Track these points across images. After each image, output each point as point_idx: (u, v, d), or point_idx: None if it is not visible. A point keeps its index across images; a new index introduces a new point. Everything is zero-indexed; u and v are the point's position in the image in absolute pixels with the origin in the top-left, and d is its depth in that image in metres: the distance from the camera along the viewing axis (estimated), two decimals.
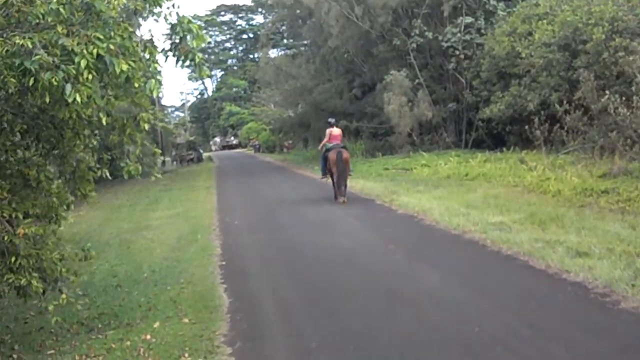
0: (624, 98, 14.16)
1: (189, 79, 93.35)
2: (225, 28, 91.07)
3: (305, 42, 38.04)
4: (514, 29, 20.22)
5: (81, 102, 4.44)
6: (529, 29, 19.50)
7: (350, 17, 25.57)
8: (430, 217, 10.82)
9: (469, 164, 18.48)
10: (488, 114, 20.79)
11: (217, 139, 77.80)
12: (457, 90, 24.64)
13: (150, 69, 5.26)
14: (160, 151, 14.94)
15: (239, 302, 6.41)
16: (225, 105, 77.84)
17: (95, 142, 6.15)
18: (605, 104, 14.90)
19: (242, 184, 22.35)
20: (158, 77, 5.24)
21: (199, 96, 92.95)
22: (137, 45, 5.15)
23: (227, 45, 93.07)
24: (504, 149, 20.12)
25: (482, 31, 23.21)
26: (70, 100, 4.40)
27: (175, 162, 44.23)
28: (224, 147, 73.76)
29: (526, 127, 18.26)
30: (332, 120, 15.29)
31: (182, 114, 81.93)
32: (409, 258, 7.99)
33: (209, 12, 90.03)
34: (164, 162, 40.20)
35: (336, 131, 14.81)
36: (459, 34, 23.29)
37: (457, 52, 23.43)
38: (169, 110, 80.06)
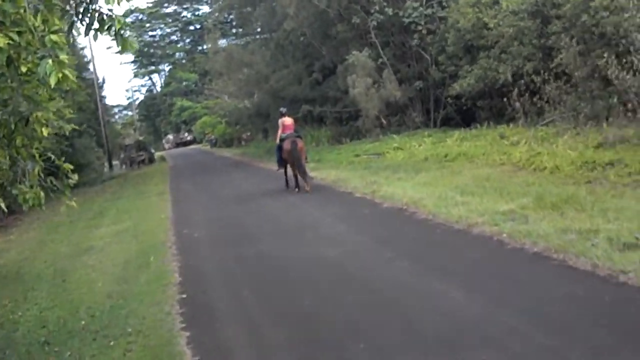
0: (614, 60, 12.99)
1: (135, 75, 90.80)
2: (170, 20, 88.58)
3: (257, 29, 35.96)
4: None
5: None
6: None
7: None
8: (423, 209, 9.31)
9: (445, 144, 17.11)
10: (457, 90, 19.57)
11: (170, 137, 75.07)
12: (422, 67, 23.29)
13: (47, 43, 3.35)
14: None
15: None
16: (176, 101, 75.61)
17: None
18: (590, 69, 13.78)
19: (200, 185, 20.37)
20: (60, 55, 3.28)
21: (147, 93, 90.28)
22: (24, 10, 3.32)
23: (174, 38, 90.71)
24: (477, 125, 19.00)
25: (444, 4, 21.80)
26: None
27: (124, 165, 41.39)
28: (177, 145, 71.16)
29: (503, 100, 17.25)
30: (283, 110, 15.24)
31: (130, 113, 79.15)
32: (415, 268, 6.41)
33: (151, 4, 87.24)
34: (111, 165, 37.54)
35: (288, 120, 14.62)
36: (420, 8, 21.79)
37: (420, 28, 22.00)
38: (115, 109, 77.31)
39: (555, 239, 6.33)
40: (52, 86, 3.22)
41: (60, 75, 3.21)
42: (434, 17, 21.78)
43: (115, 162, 39.46)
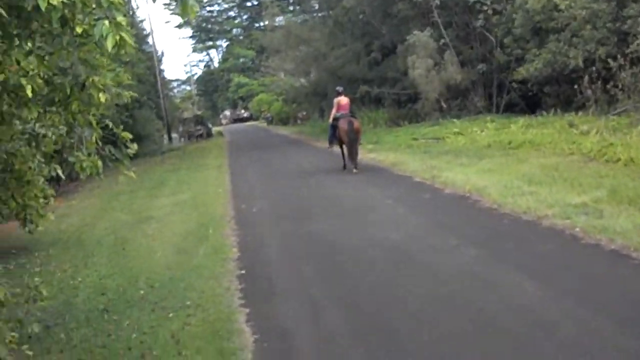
0: None
1: (194, 50, 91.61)
2: None
3: (315, 6, 35.56)
4: None
5: None
6: None
7: None
8: (487, 197, 8.92)
9: (509, 130, 16.46)
10: (524, 74, 18.78)
11: (227, 112, 75.72)
12: (486, 49, 22.46)
13: (104, 3, 3.09)
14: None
15: (267, 342, 4.59)
16: (233, 77, 75.85)
17: (31, 125, 4.15)
18: None
19: (258, 161, 20.41)
20: (117, 17, 3.09)
21: (205, 68, 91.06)
22: None
23: (231, 14, 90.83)
24: (543, 112, 18.23)
25: None
26: None
27: (183, 139, 42.00)
28: (234, 121, 71.64)
29: (573, 86, 16.45)
30: (339, 88, 14.93)
31: (188, 88, 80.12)
32: (483, 257, 6.11)
33: None
34: (170, 138, 38.16)
35: (344, 100, 14.45)
36: None
37: (485, 8, 21.15)
38: (174, 84, 78.41)
39: (635, 237, 5.91)
40: (109, 50, 3.05)
41: (117, 37, 3.04)
42: None
43: (174, 135, 40.09)
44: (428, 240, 7.10)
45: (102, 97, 3.77)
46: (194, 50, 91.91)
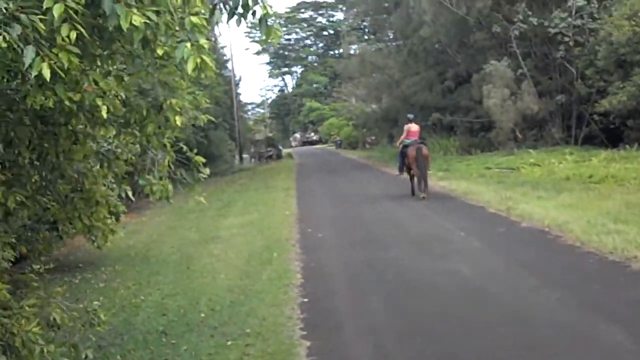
0: None
1: (270, 75, 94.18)
2: (305, 25, 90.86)
3: (390, 36, 35.63)
4: (635, 11, 17.28)
5: (62, 79, 2.53)
6: None
7: (444, 3, 22.97)
8: (568, 233, 8.35)
9: (589, 164, 15.67)
10: (606, 107, 17.97)
11: (297, 135, 76.97)
12: (566, 81, 21.70)
13: (187, 26, 3.02)
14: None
15: None
16: (305, 101, 77.39)
17: (107, 145, 4.09)
18: None
19: (325, 184, 20.29)
20: (199, 39, 3.00)
21: (279, 92, 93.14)
22: None
23: (307, 42, 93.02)
24: (626, 146, 17.38)
25: (595, 15, 20.09)
26: (34, 73, 2.49)
27: (253, 159, 42.73)
28: (304, 143, 72.61)
29: None
30: (410, 116, 15.16)
31: (262, 111, 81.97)
32: (568, 302, 5.60)
33: (289, 9, 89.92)
34: (241, 158, 38.82)
35: (414, 127, 14.49)
36: (569, 19, 20.19)
37: (566, 39, 20.43)
38: (249, 107, 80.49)
39: None
40: (190, 72, 2.96)
41: (198, 60, 2.95)
42: (584, 28, 20.13)
43: (245, 156, 40.81)
44: (506, 278, 6.64)
45: (178, 120, 3.71)
46: (270, 76, 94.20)
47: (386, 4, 31.53)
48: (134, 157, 4.76)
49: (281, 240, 9.92)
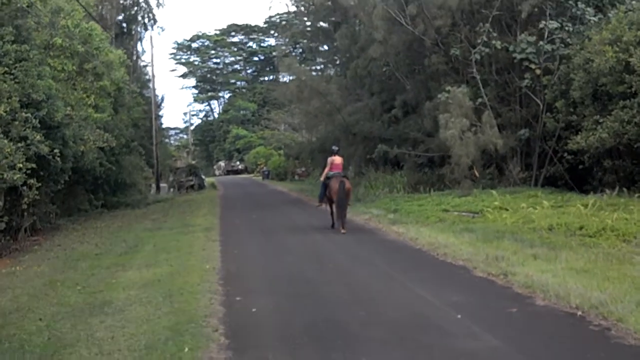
0: None
1: (195, 100, 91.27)
2: (235, 49, 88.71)
3: (334, 57, 33.07)
4: (618, 36, 15.31)
5: None
6: None
7: (397, 19, 20.51)
8: (616, 322, 5.68)
9: (573, 211, 13.12)
10: (581, 145, 15.79)
11: (222, 163, 73.84)
12: (529, 113, 19.62)
13: None
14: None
15: None
16: (232, 128, 74.62)
17: None
18: None
19: (256, 224, 16.89)
20: None
21: (204, 118, 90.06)
22: None
23: (237, 67, 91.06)
24: (605, 189, 15.28)
25: (568, 40, 18.12)
26: None
27: (172, 189, 38.47)
28: (228, 172, 69.66)
29: None
30: (335, 148, 15.40)
31: (185, 137, 78.57)
32: None
33: (218, 32, 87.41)
34: (158, 188, 34.57)
35: (338, 160, 14.68)
36: (541, 43, 18.11)
37: (533, 67, 18.36)
38: (172, 132, 77.04)
39: None
40: None
41: None
42: (555, 55, 18.07)
43: (163, 185, 36.65)
44: None
45: None
46: (196, 100, 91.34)
47: (326, 24, 28.84)
48: None
49: (197, 317, 6.52)
